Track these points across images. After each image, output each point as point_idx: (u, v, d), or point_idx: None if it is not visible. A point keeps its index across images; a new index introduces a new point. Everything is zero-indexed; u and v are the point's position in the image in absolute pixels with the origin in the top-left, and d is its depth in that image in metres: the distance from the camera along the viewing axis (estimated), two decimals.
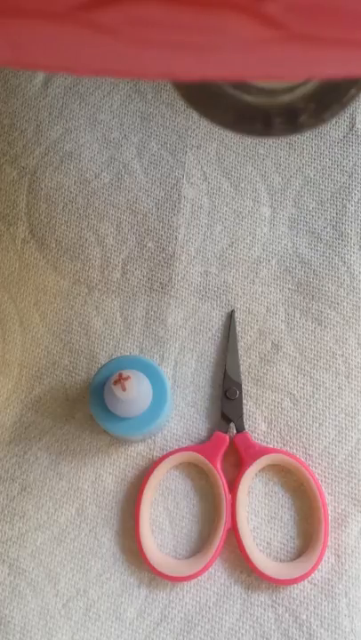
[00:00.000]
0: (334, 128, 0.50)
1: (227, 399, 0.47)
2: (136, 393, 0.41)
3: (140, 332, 0.48)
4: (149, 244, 0.50)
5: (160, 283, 0.49)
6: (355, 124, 0.50)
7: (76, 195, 0.51)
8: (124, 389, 0.40)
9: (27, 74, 0.52)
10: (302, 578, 0.43)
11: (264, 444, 0.46)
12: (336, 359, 0.47)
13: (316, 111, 0.33)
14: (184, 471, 0.46)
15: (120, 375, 0.41)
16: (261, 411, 0.47)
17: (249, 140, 0.51)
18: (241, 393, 0.47)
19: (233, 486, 0.45)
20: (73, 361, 0.48)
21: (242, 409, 0.46)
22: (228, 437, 0.46)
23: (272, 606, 0.44)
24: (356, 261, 0.48)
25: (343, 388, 0.47)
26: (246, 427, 0.46)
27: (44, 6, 0.22)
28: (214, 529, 0.45)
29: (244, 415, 0.47)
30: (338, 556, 0.44)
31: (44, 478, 0.46)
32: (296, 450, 0.46)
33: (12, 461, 0.47)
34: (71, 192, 0.51)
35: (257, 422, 0.47)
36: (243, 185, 0.50)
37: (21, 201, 0.51)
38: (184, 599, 0.45)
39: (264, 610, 0.44)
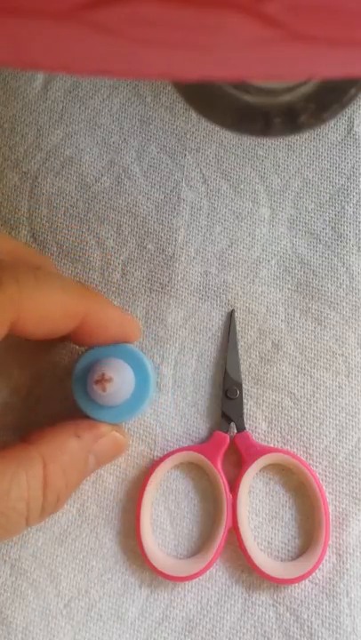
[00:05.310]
0: (332, 131, 0.51)
1: (227, 399, 0.47)
2: (118, 387, 0.41)
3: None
4: (149, 246, 0.50)
5: (160, 283, 0.49)
6: (353, 127, 0.51)
7: (77, 199, 0.51)
8: (104, 390, 0.40)
9: (26, 76, 0.52)
10: (303, 577, 0.43)
11: (265, 443, 0.46)
12: (336, 359, 0.47)
13: (316, 111, 0.33)
14: (185, 471, 0.46)
15: (102, 376, 0.41)
16: (262, 410, 0.47)
17: (248, 142, 0.51)
18: (241, 392, 0.47)
19: (234, 486, 0.45)
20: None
21: (242, 408, 0.47)
22: (228, 437, 0.46)
23: (273, 605, 0.44)
24: (354, 262, 0.48)
25: (343, 387, 0.47)
26: (247, 426, 0.47)
27: (44, 6, 0.23)
28: (215, 528, 0.45)
29: (245, 414, 0.47)
30: (339, 556, 0.44)
31: None
32: (297, 449, 0.46)
33: None
34: (72, 197, 0.51)
35: (257, 422, 0.47)
36: (242, 186, 0.50)
37: (23, 206, 0.51)
38: (185, 599, 0.45)
39: (265, 609, 0.44)
